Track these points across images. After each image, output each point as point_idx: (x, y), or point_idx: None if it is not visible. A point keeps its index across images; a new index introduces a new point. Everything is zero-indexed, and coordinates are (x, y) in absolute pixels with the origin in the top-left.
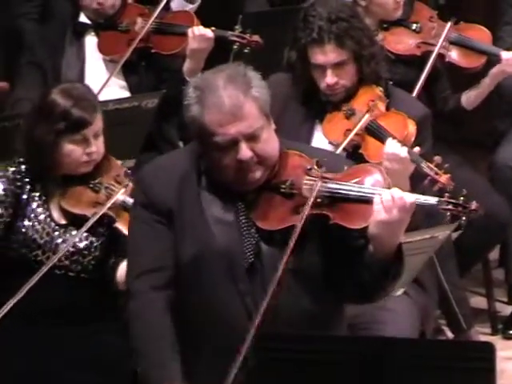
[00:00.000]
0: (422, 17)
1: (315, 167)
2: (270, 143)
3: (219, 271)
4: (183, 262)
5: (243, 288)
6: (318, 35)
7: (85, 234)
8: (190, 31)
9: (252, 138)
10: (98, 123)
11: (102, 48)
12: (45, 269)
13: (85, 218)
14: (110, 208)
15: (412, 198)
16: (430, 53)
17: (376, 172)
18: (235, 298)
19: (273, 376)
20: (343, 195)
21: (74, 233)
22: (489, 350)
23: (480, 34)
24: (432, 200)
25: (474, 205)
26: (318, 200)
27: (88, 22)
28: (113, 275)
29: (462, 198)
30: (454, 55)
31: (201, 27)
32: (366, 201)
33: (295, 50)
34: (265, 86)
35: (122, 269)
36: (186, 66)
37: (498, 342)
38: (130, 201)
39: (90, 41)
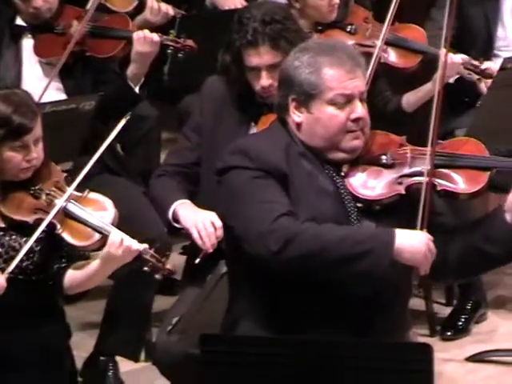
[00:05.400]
0: (357, 18)
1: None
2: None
3: None
4: None
5: None
6: (252, 37)
7: (24, 239)
8: (135, 34)
9: (362, 98)
10: (38, 129)
11: (38, 51)
12: (5, 275)
13: (25, 224)
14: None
15: None
16: (365, 54)
17: (480, 145)
18: None
19: (214, 379)
20: (458, 163)
21: (13, 237)
22: (426, 352)
23: (415, 34)
24: None
25: None
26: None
27: (24, 24)
28: (59, 281)
29: None
30: (390, 56)
31: (146, 31)
32: (482, 168)
33: (230, 53)
34: None
35: (70, 275)
36: (130, 69)
37: (436, 343)
38: (73, 207)
39: (27, 43)
